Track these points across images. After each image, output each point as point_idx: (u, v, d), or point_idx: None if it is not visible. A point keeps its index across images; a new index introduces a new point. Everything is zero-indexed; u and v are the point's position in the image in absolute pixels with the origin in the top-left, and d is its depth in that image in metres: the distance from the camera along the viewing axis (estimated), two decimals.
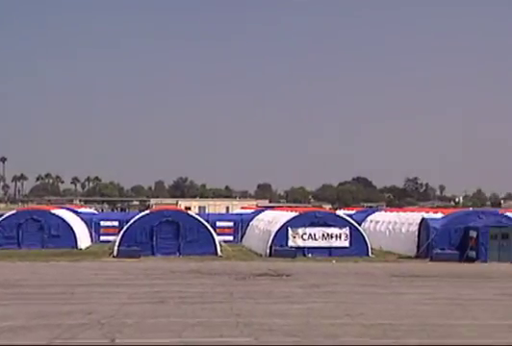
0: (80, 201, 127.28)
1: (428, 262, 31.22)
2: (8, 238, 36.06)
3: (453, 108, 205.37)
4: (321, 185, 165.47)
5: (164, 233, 33.12)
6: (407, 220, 37.52)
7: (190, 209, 79.73)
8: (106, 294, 19.87)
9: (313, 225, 33.54)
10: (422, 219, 34.55)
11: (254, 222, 40.84)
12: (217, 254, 32.87)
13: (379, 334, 14.37)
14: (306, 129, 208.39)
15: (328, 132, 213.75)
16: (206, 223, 34.49)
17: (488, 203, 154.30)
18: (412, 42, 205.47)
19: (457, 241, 32.55)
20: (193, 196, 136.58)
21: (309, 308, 17.59)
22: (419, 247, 33.86)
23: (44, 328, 14.65)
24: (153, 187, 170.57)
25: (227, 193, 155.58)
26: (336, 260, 31.16)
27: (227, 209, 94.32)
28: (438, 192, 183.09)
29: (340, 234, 33.50)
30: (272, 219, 36.74)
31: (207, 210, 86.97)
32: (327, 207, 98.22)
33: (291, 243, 33.38)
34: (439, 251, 32.07)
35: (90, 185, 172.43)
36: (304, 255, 33.05)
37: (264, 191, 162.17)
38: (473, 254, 31.79)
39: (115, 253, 32.24)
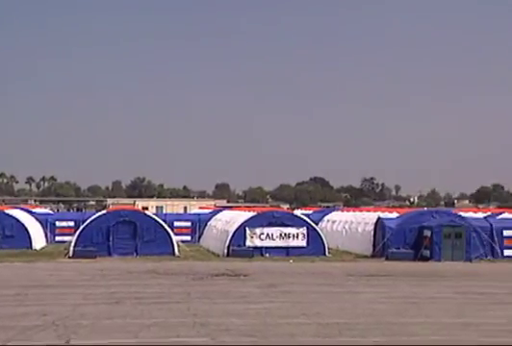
0: (35, 201, 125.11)
1: (384, 261, 31.62)
2: None
3: (407, 108, 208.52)
4: (279, 185, 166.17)
5: (120, 233, 32.85)
6: (363, 220, 37.94)
7: (147, 209, 79.32)
8: (61, 295, 19.63)
9: (270, 225, 33.67)
10: (378, 219, 34.99)
11: (212, 222, 40.81)
12: (174, 254, 32.75)
13: (335, 333, 14.52)
14: (264, 129, 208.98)
15: (286, 132, 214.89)
16: (163, 223, 34.31)
17: (442, 203, 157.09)
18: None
19: (412, 240, 33.04)
20: (151, 196, 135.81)
21: (266, 307, 17.66)
22: (375, 246, 34.27)
23: None
24: (110, 187, 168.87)
25: (185, 193, 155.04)
26: (293, 260, 31.34)
27: (185, 209, 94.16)
28: (394, 192, 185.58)
29: (297, 234, 33.71)
30: (230, 219, 36.77)
31: (164, 210, 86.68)
32: (285, 207, 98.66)
33: (248, 243, 33.46)
34: (394, 250, 32.52)
35: (46, 184, 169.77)
36: (262, 255, 33.16)
37: (222, 191, 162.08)
38: (427, 253, 32.33)
39: (70, 253, 31.87)
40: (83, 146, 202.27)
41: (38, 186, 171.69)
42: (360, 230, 37.09)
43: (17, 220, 36.69)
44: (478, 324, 15.83)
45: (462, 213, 37.81)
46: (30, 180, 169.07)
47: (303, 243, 33.72)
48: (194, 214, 50.25)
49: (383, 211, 41.76)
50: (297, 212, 41.85)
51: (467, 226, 32.74)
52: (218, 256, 33.48)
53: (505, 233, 33.56)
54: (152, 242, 32.81)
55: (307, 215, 39.85)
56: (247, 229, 33.56)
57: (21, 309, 16.88)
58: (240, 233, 33.47)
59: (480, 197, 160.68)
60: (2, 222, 36.08)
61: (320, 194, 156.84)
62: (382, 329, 15.04)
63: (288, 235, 33.64)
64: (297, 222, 34.20)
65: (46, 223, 41.60)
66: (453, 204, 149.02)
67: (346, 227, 39.40)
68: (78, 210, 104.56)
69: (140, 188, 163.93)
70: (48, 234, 40.91)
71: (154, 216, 35.21)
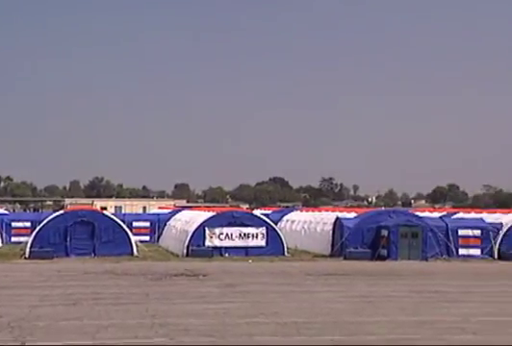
0: None
1: (342, 261, 31.92)
2: None
3: (368, 108, 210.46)
4: (239, 185, 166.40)
5: (78, 233, 32.50)
6: (322, 220, 38.24)
7: (105, 209, 78.46)
8: (17, 297, 19.36)
9: (230, 225, 33.70)
10: (337, 219, 35.31)
11: (171, 222, 40.66)
12: (133, 254, 32.54)
13: (293, 332, 14.64)
14: (223, 129, 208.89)
15: (246, 132, 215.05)
16: (122, 223, 34.07)
17: (399, 203, 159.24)
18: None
19: (370, 240, 33.44)
20: (110, 196, 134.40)
21: (225, 307, 17.70)
22: (333, 246, 34.57)
23: None
24: (68, 187, 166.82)
25: (144, 193, 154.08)
26: (252, 260, 31.43)
27: (144, 209, 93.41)
28: (352, 192, 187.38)
29: (256, 234, 33.81)
30: (190, 219, 36.69)
31: (123, 210, 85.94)
32: (244, 206, 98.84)
33: (208, 243, 33.45)
34: (352, 250, 32.86)
35: (2, 184, 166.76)
36: (221, 254, 33.18)
37: (181, 191, 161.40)
38: (384, 252, 32.75)
39: (27, 254, 31.44)
40: (40, 145, 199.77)
41: None
42: (319, 229, 37.37)
43: None
44: (433, 322, 16.11)
45: (418, 213, 38.44)
46: None
47: (262, 243, 33.83)
48: (154, 214, 49.94)
49: (341, 211, 42.22)
50: (257, 212, 41.98)
51: (423, 225, 33.26)
52: (178, 256, 33.38)
53: (460, 232, 34.19)
54: (110, 243, 32.55)
55: (266, 215, 39.99)
56: (207, 229, 33.53)
57: None
58: (199, 233, 33.43)
59: (436, 197, 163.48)
60: None
61: (280, 194, 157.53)
62: (339, 328, 15.21)
63: (247, 235, 33.71)
64: (257, 222, 34.30)
65: (2, 223, 40.85)
66: (410, 204, 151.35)
67: (305, 227, 39.66)
68: (35, 210, 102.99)
69: (98, 188, 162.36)
70: (4, 234, 40.20)
71: (112, 216, 34.92)
